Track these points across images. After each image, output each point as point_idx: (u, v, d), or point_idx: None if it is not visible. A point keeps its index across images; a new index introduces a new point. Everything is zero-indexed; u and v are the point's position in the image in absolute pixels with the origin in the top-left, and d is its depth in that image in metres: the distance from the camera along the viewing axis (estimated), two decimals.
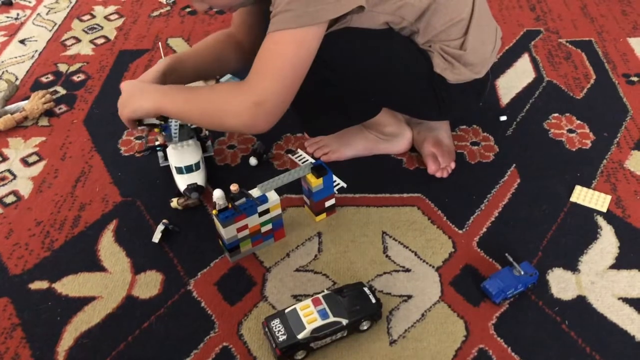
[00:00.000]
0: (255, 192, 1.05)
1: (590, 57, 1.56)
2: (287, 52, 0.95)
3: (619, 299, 1.02)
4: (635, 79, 1.48)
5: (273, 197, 1.07)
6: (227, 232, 1.04)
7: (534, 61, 1.56)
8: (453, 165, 1.24)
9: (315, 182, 1.09)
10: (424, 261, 1.09)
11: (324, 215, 1.17)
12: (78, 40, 1.73)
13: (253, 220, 1.06)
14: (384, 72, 1.10)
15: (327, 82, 1.06)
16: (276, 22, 0.94)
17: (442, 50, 1.10)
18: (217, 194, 1.02)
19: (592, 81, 1.48)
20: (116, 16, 1.84)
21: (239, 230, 1.06)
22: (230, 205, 1.04)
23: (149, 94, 1.07)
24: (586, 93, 1.45)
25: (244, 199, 1.04)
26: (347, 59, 1.06)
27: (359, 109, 1.19)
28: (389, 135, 1.27)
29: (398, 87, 1.14)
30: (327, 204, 1.15)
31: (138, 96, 1.08)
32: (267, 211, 1.07)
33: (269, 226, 1.10)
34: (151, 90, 1.08)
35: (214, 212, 1.04)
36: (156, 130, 1.21)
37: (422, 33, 1.08)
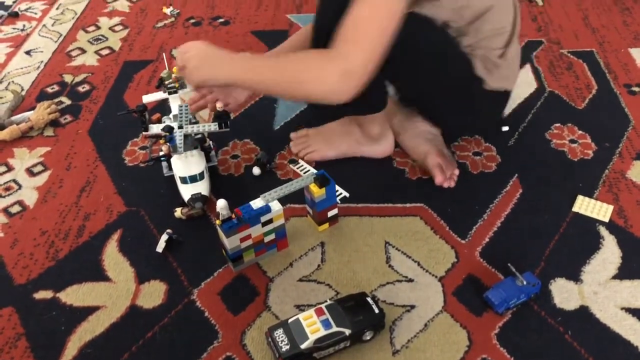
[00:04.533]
0: (258, 202, 1.06)
1: (591, 68, 1.56)
2: (379, 22, 0.92)
3: (622, 309, 1.02)
4: (636, 89, 1.49)
5: (276, 207, 1.07)
6: (230, 242, 1.05)
7: (535, 72, 1.56)
8: (457, 172, 1.25)
9: (318, 192, 1.10)
10: (426, 271, 1.09)
11: (326, 225, 1.17)
12: (83, 51, 1.75)
13: (256, 230, 1.07)
14: (429, 63, 1.11)
15: None
16: None
17: (484, 56, 1.13)
18: (221, 204, 1.03)
19: (593, 91, 1.49)
20: (121, 27, 1.86)
21: (242, 240, 1.06)
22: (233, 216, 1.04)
23: (224, 62, 1.03)
24: (588, 103, 1.45)
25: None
26: (402, 40, 1.03)
27: (372, 99, 1.19)
28: (373, 137, 1.28)
29: (437, 81, 1.14)
30: (330, 213, 1.15)
31: (211, 63, 1.04)
32: (270, 221, 1.08)
33: (272, 236, 1.10)
34: (227, 58, 1.04)
35: (217, 222, 1.05)
36: (161, 141, 1.22)
37: (470, 35, 1.11)
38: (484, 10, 1.07)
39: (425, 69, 1.13)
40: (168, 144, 1.22)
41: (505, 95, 1.22)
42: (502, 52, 1.14)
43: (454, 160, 1.28)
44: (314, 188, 1.10)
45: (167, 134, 1.18)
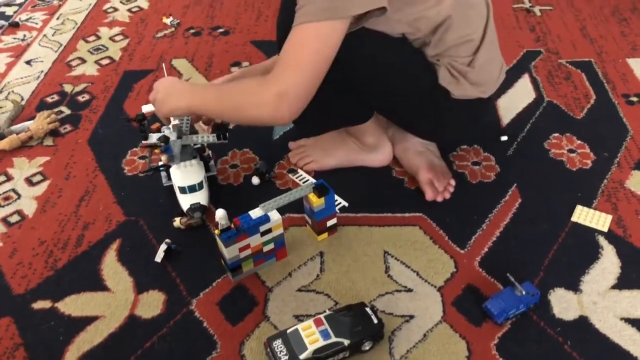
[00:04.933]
0: (257, 212, 1.06)
1: (590, 78, 1.57)
2: (310, 46, 0.96)
3: (621, 319, 1.02)
4: (634, 99, 1.49)
5: (275, 216, 1.07)
6: (229, 252, 1.05)
7: (534, 81, 1.57)
8: (453, 182, 1.25)
9: (317, 202, 1.10)
10: (425, 281, 1.09)
11: (325, 235, 1.17)
12: (83, 61, 1.75)
13: (255, 240, 1.07)
14: (388, 78, 1.12)
15: (329, 79, 1.02)
16: (301, 15, 0.95)
17: (449, 65, 1.11)
18: (220, 214, 1.03)
19: (592, 101, 1.49)
20: (121, 37, 1.86)
21: (241, 250, 1.06)
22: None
23: (183, 93, 1.11)
24: (586, 113, 1.46)
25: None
26: (355, 59, 1.07)
27: (353, 112, 1.21)
28: (370, 147, 1.29)
29: (399, 95, 1.15)
30: (329, 223, 1.15)
31: (174, 96, 1.12)
32: (269, 231, 1.08)
33: (271, 246, 1.10)
34: (186, 90, 1.12)
35: (216, 231, 1.05)
36: (157, 150, 1.23)
37: (433, 45, 1.10)
38: (443, 20, 1.06)
39: (385, 83, 1.13)
40: (164, 153, 1.22)
41: (480, 102, 1.17)
42: (470, 60, 1.11)
43: (448, 171, 1.28)
44: (313, 197, 1.10)
45: (163, 144, 1.18)
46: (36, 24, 1.96)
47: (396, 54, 1.11)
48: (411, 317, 1.03)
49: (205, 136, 1.21)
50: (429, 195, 1.22)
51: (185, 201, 1.20)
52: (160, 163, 1.28)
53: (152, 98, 1.16)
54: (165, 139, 1.18)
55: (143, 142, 1.21)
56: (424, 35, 1.09)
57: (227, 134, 1.20)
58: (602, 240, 1.14)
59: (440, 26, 1.07)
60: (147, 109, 1.28)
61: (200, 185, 1.20)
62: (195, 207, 1.18)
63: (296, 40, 0.97)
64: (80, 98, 1.60)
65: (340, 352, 0.95)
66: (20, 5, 2.08)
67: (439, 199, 1.23)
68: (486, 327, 1.01)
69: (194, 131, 1.26)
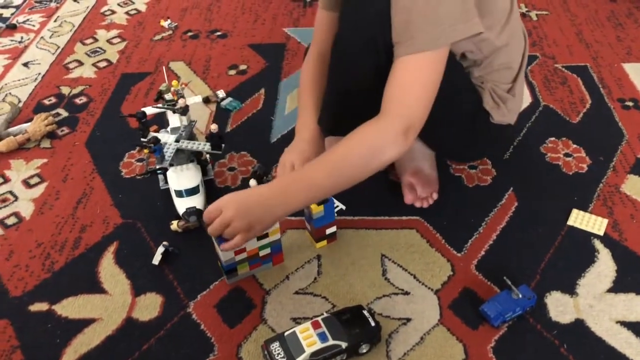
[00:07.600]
0: None
1: (585, 82, 1.58)
2: (426, 77, 0.98)
3: (617, 322, 1.02)
4: (630, 103, 1.50)
5: None
6: (224, 255, 1.05)
7: (530, 86, 1.58)
8: (435, 195, 1.24)
9: (316, 209, 1.09)
10: (423, 284, 1.09)
11: (324, 242, 1.17)
12: (81, 64, 1.75)
13: (251, 244, 1.07)
14: (438, 97, 1.10)
15: (374, 89, 1.02)
16: (411, 45, 0.95)
17: (492, 90, 1.15)
18: None
19: (587, 106, 1.50)
20: (118, 40, 1.86)
21: (237, 253, 1.06)
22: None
23: (271, 207, 1.00)
24: (582, 117, 1.47)
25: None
26: None
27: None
28: None
29: (444, 115, 1.12)
30: (328, 231, 1.15)
31: (263, 216, 1.00)
32: (265, 235, 1.08)
33: (267, 250, 1.10)
34: (271, 201, 1.00)
35: None
36: (145, 151, 1.22)
37: (481, 67, 1.13)
38: (500, 47, 1.10)
39: (437, 98, 1.13)
40: (153, 155, 1.21)
41: (508, 128, 1.22)
42: (510, 87, 1.16)
43: (436, 183, 1.26)
44: (312, 204, 1.10)
45: (152, 144, 1.18)
46: (33, 26, 1.96)
47: (449, 74, 1.09)
48: (408, 320, 1.04)
49: (200, 144, 1.21)
50: (407, 199, 1.23)
51: (181, 205, 1.20)
52: (158, 166, 1.28)
53: (231, 231, 0.99)
54: (155, 140, 1.18)
55: (143, 139, 1.21)
56: (483, 57, 1.12)
57: (223, 145, 1.20)
58: (598, 244, 1.15)
59: (496, 51, 1.11)
60: (149, 111, 1.28)
61: (196, 189, 1.20)
62: (191, 211, 1.18)
63: (410, 75, 0.98)
64: (77, 100, 1.60)
65: (338, 355, 0.95)
66: (17, 7, 2.08)
67: (417, 204, 1.23)
68: (483, 330, 1.02)
69: (192, 137, 1.26)
